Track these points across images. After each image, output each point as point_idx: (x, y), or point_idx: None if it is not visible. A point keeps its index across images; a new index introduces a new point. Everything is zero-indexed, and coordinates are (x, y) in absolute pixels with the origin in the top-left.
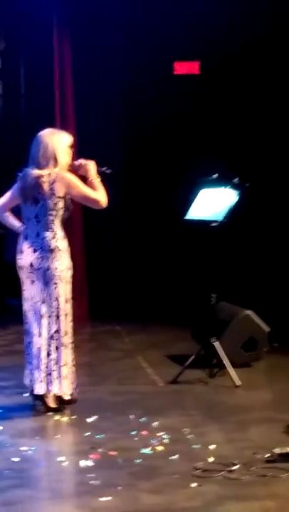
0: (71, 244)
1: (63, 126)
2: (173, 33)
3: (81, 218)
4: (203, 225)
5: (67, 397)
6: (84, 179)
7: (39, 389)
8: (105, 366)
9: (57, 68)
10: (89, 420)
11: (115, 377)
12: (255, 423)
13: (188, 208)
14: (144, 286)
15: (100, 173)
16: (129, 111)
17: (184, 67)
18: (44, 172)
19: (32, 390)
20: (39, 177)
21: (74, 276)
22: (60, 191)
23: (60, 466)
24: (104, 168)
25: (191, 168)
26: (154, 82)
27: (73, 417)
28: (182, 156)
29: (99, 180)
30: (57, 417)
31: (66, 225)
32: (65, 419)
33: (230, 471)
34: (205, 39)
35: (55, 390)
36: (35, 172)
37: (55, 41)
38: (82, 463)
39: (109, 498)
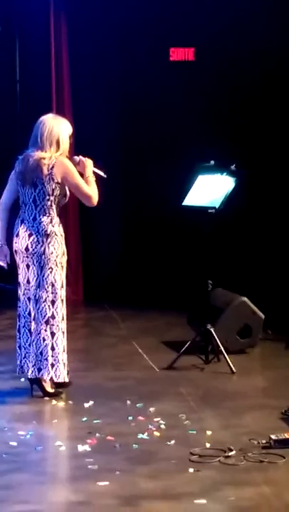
0: (66, 228)
1: (60, 112)
2: (168, 18)
3: (76, 202)
4: (200, 211)
5: (61, 381)
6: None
7: (34, 373)
8: (101, 352)
9: (53, 53)
10: (86, 405)
11: (111, 363)
12: (250, 409)
13: (186, 194)
14: (139, 272)
15: (95, 174)
16: (124, 96)
17: (179, 54)
18: (46, 155)
19: (28, 376)
20: (40, 159)
21: (68, 261)
22: (58, 176)
23: (57, 451)
24: (101, 172)
25: (187, 154)
26: (150, 67)
27: (70, 402)
28: (178, 142)
29: (94, 179)
30: (54, 402)
31: (61, 208)
32: (61, 404)
33: (227, 456)
34: (200, 25)
35: (52, 375)
36: (37, 154)
37: (52, 26)
38: (80, 448)
39: (107, 482)
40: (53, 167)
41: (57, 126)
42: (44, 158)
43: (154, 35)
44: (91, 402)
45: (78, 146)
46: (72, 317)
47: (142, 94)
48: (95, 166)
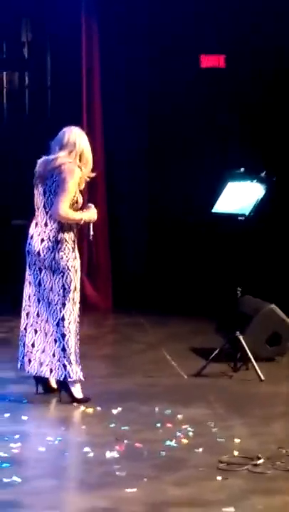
0: (95, 236)
1: (90, 118)
2: (199, 25)
3: (105, 210)
4: (230, 218)
5: (71, 383)
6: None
7: (42, 372)
8: (129, 358)
9: (84, 60)
10: (114, 412)
11: (140, 370)
12: (279, 417)
13: (216, 201)
14: (168, 279)
15: (87, 228)
16: (155, 103)
17: (210, 61)
18: (60, 159)
19: (35, 376)
20: (49, 166)
21: (98, 268)
22: (60, 177)
23: (85, 457)
24: (91, 230)
25: (216, 160)
26: (180, 74)
27: (98, 408)
28: (209, 149)
29: (81, 223)
30: (82, 408)
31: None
32: (90, 410)
33: (255, 464)
34: (231, 32)
35: (64, 375)
36: (48, 160)
37: (83, 33)
38: (108, 454)
39: (135, 489)
40: (60, 173)
41: (80, 138)
42: (55, 161)
43: (184, 41)
44: (119, 409)
45: (107, 151)
46: (101, 324)
47: (171, 101)
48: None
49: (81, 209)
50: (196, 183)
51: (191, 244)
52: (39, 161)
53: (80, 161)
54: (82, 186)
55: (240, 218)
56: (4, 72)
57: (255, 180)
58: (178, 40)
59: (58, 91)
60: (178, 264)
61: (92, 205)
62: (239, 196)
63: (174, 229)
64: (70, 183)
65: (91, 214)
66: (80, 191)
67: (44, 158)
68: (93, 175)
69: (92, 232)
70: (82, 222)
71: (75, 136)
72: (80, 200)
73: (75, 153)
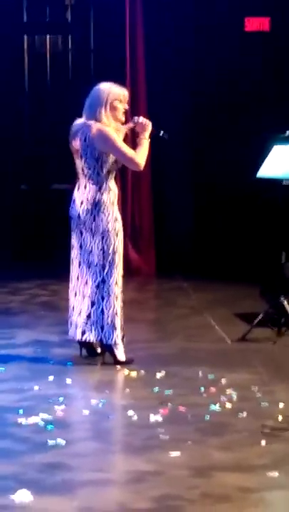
0: (139, 199)
1: (133, 82)
2: None
3: (149, 174)
4: (275, 183)
5: (112, 346)
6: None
7: (84, 335)
8: (172, 323)
9: (127, 23)
10: (158, 375)
11: (183, 334)
12: None
13: (260, 165)
14: (212, 244)
15: (156, 136)
16: (199, 67)
17: (254, 24)
18: (88, 123)
19: (76, 338)
20: (81, 129)
21: (141, 232)
22: (99, 146)
23: (129, 420)
24: (161, 133)
25: (261, 126)
26: (224, 38)
27: (142, 372)
28: (253, 113)
29: (149, 141)
30: (126, 372)
31: (134, 179)
32: (134, 373)
33: None
34: None
35: (101, 336)
36: (81, 123)
37: None
38: (152, 418)
39: (179, 453)
40: (94, 136)
41: (102, 95)
42: (86, 127)
43: (228, 5)
44: (163, 373)
45: (150, 115)
46: (145, 288)
47: (216, 65)
48: (155, 128)
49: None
50: (241, 149)
51: (236, 209)
52: (72, 126)
53: (104, 117)
54: (122, 136)
55: (285, 183)
56: (48, 36)
57: None
58: (222, 3)
59: (101, 54)
60: (222, 229)
61: (137, 118)
62: (284, 160)
63: (219, 194)
64: (112, 141)
65: (146, 130)
66: (105, 152)
67: (76, 123)
68: (126, 107)
69: (161, 133)
70: (148, 143)
71: (95, 96)
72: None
73: (99, 113)
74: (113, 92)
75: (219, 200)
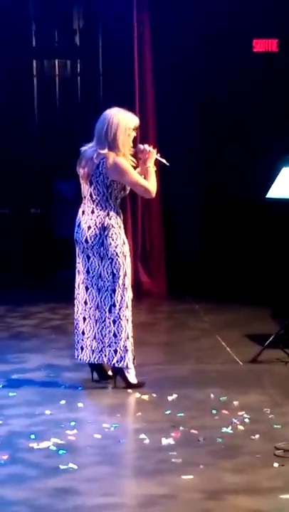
0: (149, 221)
1: (142, 105)
2: (252, 9)
3: (159, 196)
4: (285, 204)
5: (124, 369)
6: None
7: (96, 358)
8: (184, 345)
9: (136, 46)
10: (169, 398)
11: (194, 356)
12: None
13: (270, 186)
14: (223, 265)
15: (158, 162)
16: (207, 88)
17: (262, 45)
18: (101, 151)
19: (89, 363)
20: (94, 157)
21: (151, 254)
22: (112, 176)
23: (141, 444)
24: (164, 160)
25: (270, 145)
26: (233, 59)
27: (154, 395)
28: (261, 133)
29: (155, 169)
30: (138, 395)
31: (144, 202)
32: (145, 396)
33: None
34: (284, 16)
35: (114, 361)
36: (92, 150)
37: (135, 19)
38: (164, 441)
39: (191, 476)
40: (105, 166)
41: (114, 123)
42: (98, 157)
43: (237, 26)
44: (175, 395)
45: (160, 137)
46: (156, 310)
47: (224, 85)
48: (158, 155)
49: (134, 154)
50: (252, 168)
51: (246, 230)
52: (82, 151)
53: (121, 145)
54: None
55: None
56: (56, 60)
57: None
58: (231, 24)
59: (110, 78)
60: (233, 250)
61: (142, 146)
62: None
63: (229, 215)
64: (126, 173)
65: (151, 158)
66: (116, 181)
67: (87, 148)
68: (134, 134)
69: (163, 161)
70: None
71: (111, 123)
72: (128, 187)
73: (111, 142)
74: (130, 120)
75: (229, 222)
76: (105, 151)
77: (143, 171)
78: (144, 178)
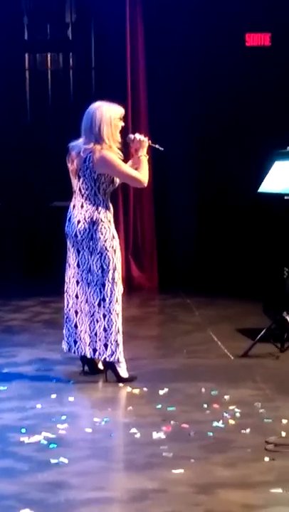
0: (141, 216)
1: (134, 99)
2: (244, 4)
3: (151, 189)
4: (276, 198)
5: (115, 363)
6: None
7: (90, 354)
8: (175, 339)
9: (128, 40)
10: (161, 392)
11: (186, 350)
12: None
13: (262, 180)
14: (214, 259)
15: (152, 149)
16: (201, 83)
17: (255, 39)
18: (87, 147)
19: (81, 356)
20: (81, 152)
21: (143, 248)
22: (99, 169)
23: (132, 438)
24: (157, 145)
25: (263, 140)
26: (226, 53)
27: (145, 389)
28: (254, 127)
29: (147, 158)
30: (128, 389)
31: (136, 196)
32: (136, 390)
33: None
34: (276, 10)
35: (105, 355)
36: (79, 145)
37: (127, 13)
38: (155, 435)
39: (182, 470)
40: (94, 159)
41: (98, 116)
42: (85, 151)
43: (229, 20)
44: (166, 389)
45: (153, 132)
46: (148, 304)
47: (217, 80)
48: (150, 141)
49: (124, 145)
50: (243, 165)
51: (237, 225)
52: (70, 147)
53: (106, 138)
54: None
55: (287, 198)
56: (49, 54)
57: None
58: (223, 18)
59: (102, 72)
60: (224, 245)
61: (132, 136)
62: (286, 175)
63: (221, 209)
64: (114, 165)
65: (143, 147)
66: (104, 175)
67: (75, 143)
68: (122, 124)
69: (157, 146)
70: (147, 159)
71: (95, 117)
72: (116, 180)
73: (97, 136)
74: (114, 111)
75: (221, 216)
76: (91, 145)
77: (135, 161)
78: (137, 167)
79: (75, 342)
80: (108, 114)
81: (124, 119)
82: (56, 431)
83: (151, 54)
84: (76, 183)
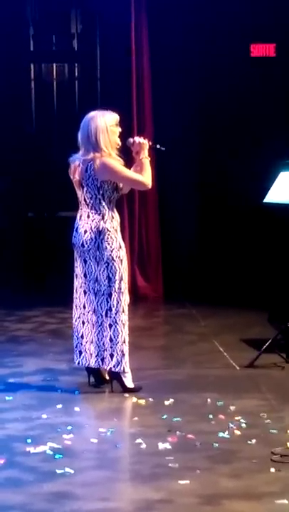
0: (146, 226)
1: (139, 109)
2: (249, 15)
3: (156, 200)
4: (282, 208)
5: (121, 373)
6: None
7: (93, 363)
8: (181, 349)
9: (134, 51)
10: (166, 403)
11: (191, 361)
12: None
13: (268, 190)
14: (220, 269)
15: (154, 150)
16: (205, 93)
17: (260, 50)
18: (87, 157)
19: (86, 367)
20: (81, 162)
21: (148, 259)
22: (101, 176)
23: (138, 448)
24: (158, 146)
25: (267, 150)
26: (231, 63)
27: (150, 400)
28: (258, 137)
29: (149, 160)
30: (134, 399)
31: (141, 206)
32: (142, 401)
33: None
34: (281, 21)
35: (111, 365)
36: (79, 156)
37: (132, 23)
38: (161, 445)
39: (188, 481)
40: (95, 168)
41: (93, 126)
42: (85, 162)
43: (234, 31)
44: (171, 400)
45: (157, 141)
46: (153, 314)
47: (222, 90)
48: (151, 142)
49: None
50: (248, 173)
51: (242, 234)
52: (70, 160)
53: (104, 146)
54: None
55: None
56: (54, 64)
57: None
58: (228, 29)
59: (107, 82)
60: (230, 255)
61: (132, 139)
62: None
63: (225, 219)
64: (115, 171)
65: (144, 149)
66: (107, 182)
67: (74, 157)
68: (119, 129)
69: (158, 146)
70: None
71: (90, 127)
72: (120, 186)
73: (95, 145)
74: (109, 118)
75: (226, 226)
76: (91, 155)
77: (137, 164)
78: (140, 170)
79: (80, 353)
80: (103, 122)
81: (130, 129)
82: (62, 441)
83: (156, 65)
84: (81, 194)
